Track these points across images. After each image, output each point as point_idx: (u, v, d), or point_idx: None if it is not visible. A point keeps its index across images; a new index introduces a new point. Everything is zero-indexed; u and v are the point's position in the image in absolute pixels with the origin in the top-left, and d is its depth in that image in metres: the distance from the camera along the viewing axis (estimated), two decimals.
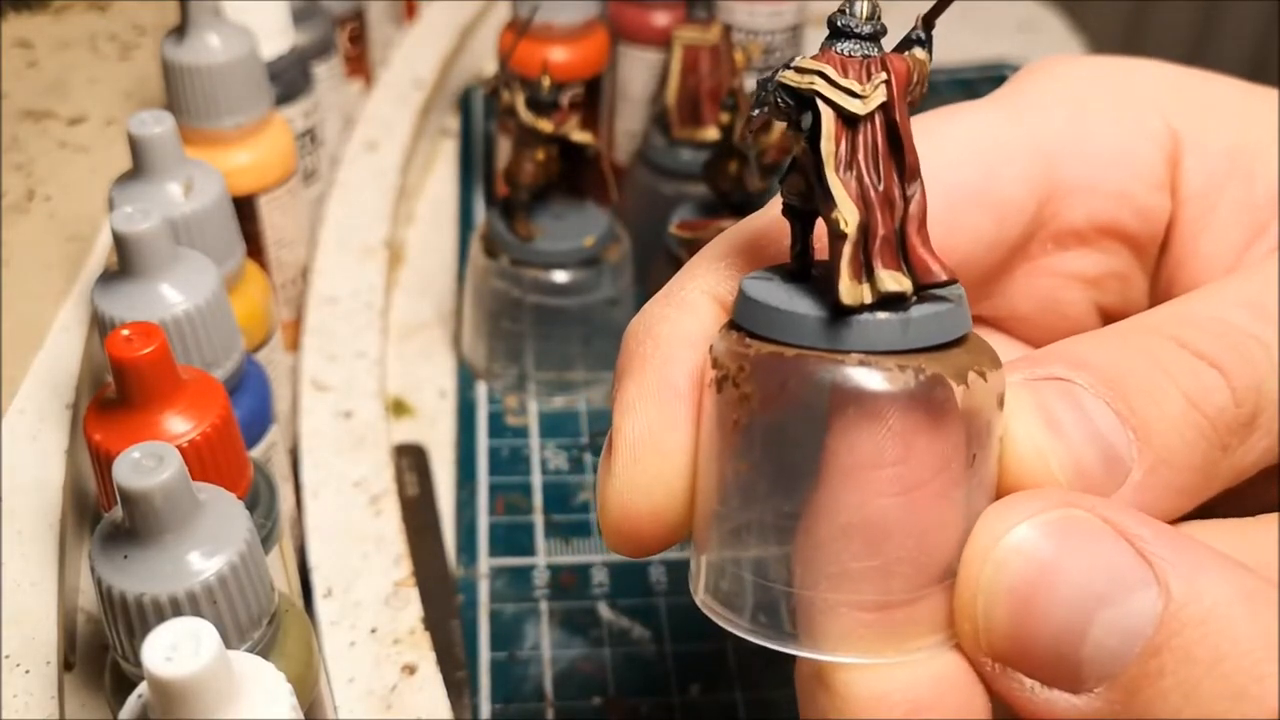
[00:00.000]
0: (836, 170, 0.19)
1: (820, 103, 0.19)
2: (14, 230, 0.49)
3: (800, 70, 0.20)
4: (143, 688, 0.22)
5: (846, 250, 0.19)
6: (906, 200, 0.20)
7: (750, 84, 0.54)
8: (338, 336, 0.49)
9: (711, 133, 0.53)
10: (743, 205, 0.49)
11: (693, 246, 0.45)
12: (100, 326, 0.33)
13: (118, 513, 0.25)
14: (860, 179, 0.19)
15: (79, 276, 0.47)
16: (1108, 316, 0.27)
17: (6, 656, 0.34)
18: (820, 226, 0.20)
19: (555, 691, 0.41)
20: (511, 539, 0.46)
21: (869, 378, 0.19)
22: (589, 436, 0.51)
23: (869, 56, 0.20)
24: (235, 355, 0.35)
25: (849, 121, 0.19)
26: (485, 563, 0.45)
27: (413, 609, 0.39)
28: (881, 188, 0.19)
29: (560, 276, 0.49)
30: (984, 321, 0.27)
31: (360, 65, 0.64)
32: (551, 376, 0.52)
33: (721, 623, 0.21)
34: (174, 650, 0.20)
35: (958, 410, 0.19)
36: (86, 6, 0.66)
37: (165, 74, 0.43)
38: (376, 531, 0.41)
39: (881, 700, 0.19)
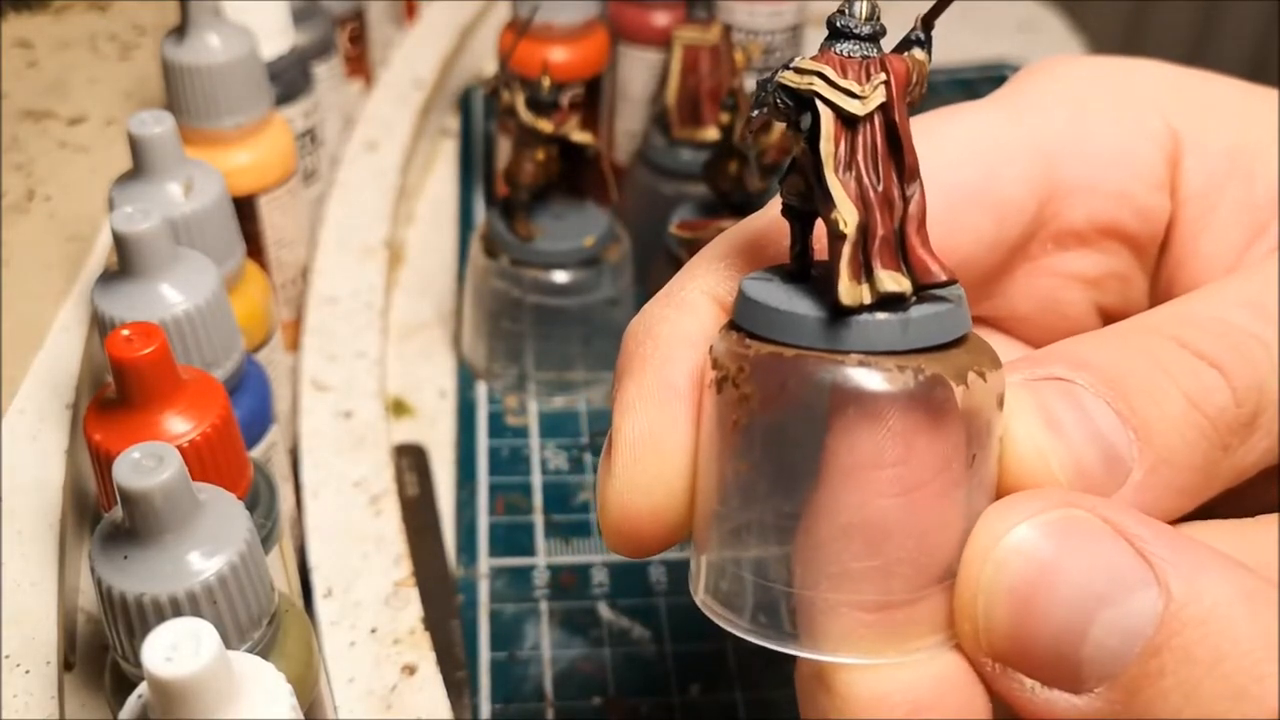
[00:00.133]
0: (836, 171, 0.19)
1: (819, 103, 0.19)
2: (14, 230, 0.49)
3: (799, 71, 0.20)
4: (143, 688, 0.22)
5: (846, 251, 0.19)
6: (906, 200, 0.20)
7: (750, 84, 0.54)
8: (338, 336, 0.49)
9: (711, 133, 0.53)
10: (743, 205, 0.49)
11: (693, 246, 0.45)
12: (100, 326, 0.33)
13: (118, 513, 0.25)
14: (859, 179, 0.19)
15: (79, 276, 0.47)
16: (1108, 317, 0.27)
17: (6, 656, 0.34)
18: (820, 227, 0.20)
19: (555, 691, 0.41)
20: (511, 539, 0.46)
21: (869, 378, 0.19)
22: (589, 436, 0.51)
23: (868, 57, 0.20)
24: (235, 355, 0.35)
25: (848, 122, 0.19)
26: (485, 563, 0.45)
27: (413, 609, 0.39)
28: (881, 188, 0.19)
29: (560, 276, 0.49)
30: (984, 321, 0.27)
31: (360, 65, 0.64)
32: (551, 376, 0.52)
33: (721, 623, 0.21)
34: (174, 650, 0.20)
35: (958, 410, 0.19)
36: (86, 6, 0.66)
37: (165, 74, 0.43)
38: (376, 531, 0.41)
39: (882, 700, 0.19)
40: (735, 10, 0.58)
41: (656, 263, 0.50)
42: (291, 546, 0.35)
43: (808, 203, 0.21)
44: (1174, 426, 0.20)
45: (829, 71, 0.19)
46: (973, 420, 0.19)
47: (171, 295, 0.33)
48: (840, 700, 0.20)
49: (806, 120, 0.20)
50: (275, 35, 0.50)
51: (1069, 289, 0.26)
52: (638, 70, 0.60)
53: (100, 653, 0.38)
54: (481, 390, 0.53)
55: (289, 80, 0.51)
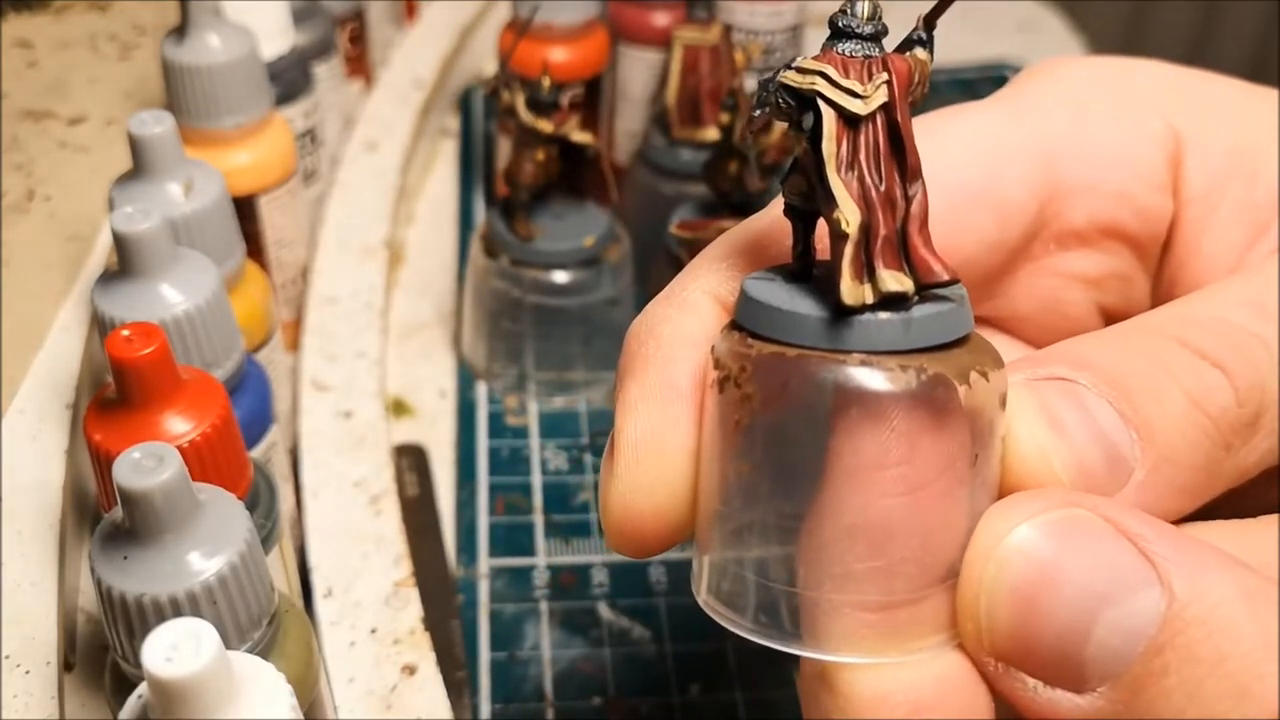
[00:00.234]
0: (838, 170, 0.19)
1: (821, 103, 0.19)
2: (14, 230, 0.49)
3: (802, 71, 0.20)
4: (143, 688, 0.22)
5: (848, 250, 0.19)
6: (908, 200, 0.20)
7: (750, 84, 0.54)
8: (338, 336, 0.49)
9: (711, 133, 0.53)
10: (743, 205, 0.49)
11: (693, 246, 0.45)
12: (100, 326, 0.33)
13: (118, 513, 0.25)
14: (862, 179, 0.19)
15: (79, 276, 0.46)
16: (1109, 317, 0.27)
17: (6, 656, 0.34)
18: (822, 227, 0.20)
19: (555, 691, 0.41)
20: (511, 539, 0.46)
21: (871, 378, 0.19)
22: (589, 436, 0.51)
23: (870, 57, 0.20)
24: (235, 355, 0.35)
25: (850, 122, 0.19)
26: (485, 563, 0.45)
27: (413, 609, 0.38)
28: (883, 188, 0.19)
29: (560, 276, 0.49)
30: (986, 322, 0.27)
31: (360, 65, 0.64)
32: (551, 376, 0.52)
33: (724, 623, 0.21)
34: (174, 650, 0.20)
35: (960, 410, 0.19)
36: (86, 6, 0.66)
37: (165, 74, 0.43)
38: (376, 531, 0.41)
39: (884, 700, 0.19)
40: (735, 10, 0.58)
41: (656, 263, 0.50)
42: (291, 546, 0.35)
43: (810, 202, 0.21)
44: (1176, 426, 0.20)
45: (831, 71, 0.19)
46: (975, 420, 0.19)
47: (171, 295, 0.33)
48: (843, 699, 0.20)
49: (809, 120, 0.20)
50: (275, 35, 0.50)
51: (1070, 289, 0.26)
52: (638, 70, 0.59)
53: (100, 653, 0.38)
54: (481, 390, 0.53)
55: (289, 80, 0.51)
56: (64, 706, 0.34)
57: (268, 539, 0.32)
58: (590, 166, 0.49)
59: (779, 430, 0.20)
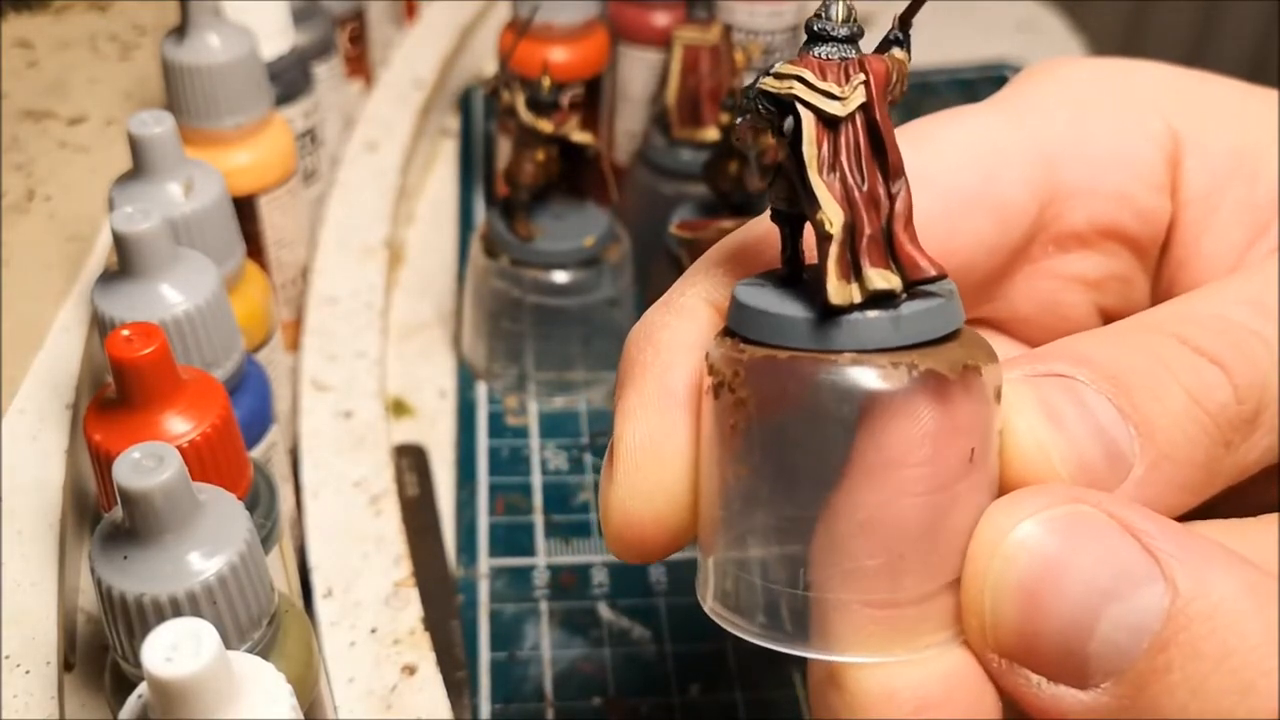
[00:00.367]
0: (819, 172, 0.19)
1: (800, 106, 0.19)
2: (14, 230, 0.49)
3: (779, 76, 0.20)
4: (143, 688, 0.22)
5: (833, 250, 0.19)
6: (892, 198, 0.20)
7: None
8: (338, 336, 0.49)
9: (711, 133, 0.53)
10: (743, 205, 0.49)
11: (693, 246, 0.45)
12: (100, 326, 0.33)
13: (118, 513, 0.25)
14: (844, 180, 0.20)
15: (79, 276, 0.46)
16: (1109, 318, 0.27)
17: (6, 656, 0.34)
18: (810, 230, 0.20)
19: (555, 691, 0.41)
20: (511, 539, 0.46)
21: (863, 376, 0.19)
22: (589, 436, 0.51)
23: (847, 59, 0.20)
24: (235, 355, 0.35)
25: (830, 124, 0.20)
26: (485, 563, 0.45)
27: (413, 609, 0.38)
28: (866, 187, 0.20)
29: (560, 276, 0.49)
30: (985, 323, 0.27)
31: (360, 65, 0.64)
32: (551, 376, 0.52)
33: (729, 627, 0.21)
34: (174, 650, 0.20)
35: (955, 404, 0.19)
36: (86, 6, 0.66)
37: (165, 74, 0.43)
38: (376, 531, 0.41)
39: (891, 698, 0.19)
40: (735, 10, 0.58)
41: (656, 263, 0.50)
42: (291, 546, 0.35)
43: (795, 206, 0.21)
44: (1175, 422, 0.20)
45: (808, 75, 0.20)
46: (971, 414, 0.19)
47: (171, 295, 0.33)
48: (850, 697, 0.20)
49: (789, 124, 0.20)
50: (275, 35, 0.50)
51: (1070, 291, 0.26)
52: (638, 70, 0.60)
53: (100, 653, 0.38)
54: (481, 390, 0.53)
55: (289, 80, 0.51)
56: (64, 706, 0.34)
57: (268, 539, 0.32)
58: (590, 166, 0.49)
59: (774, 433, 0.20)
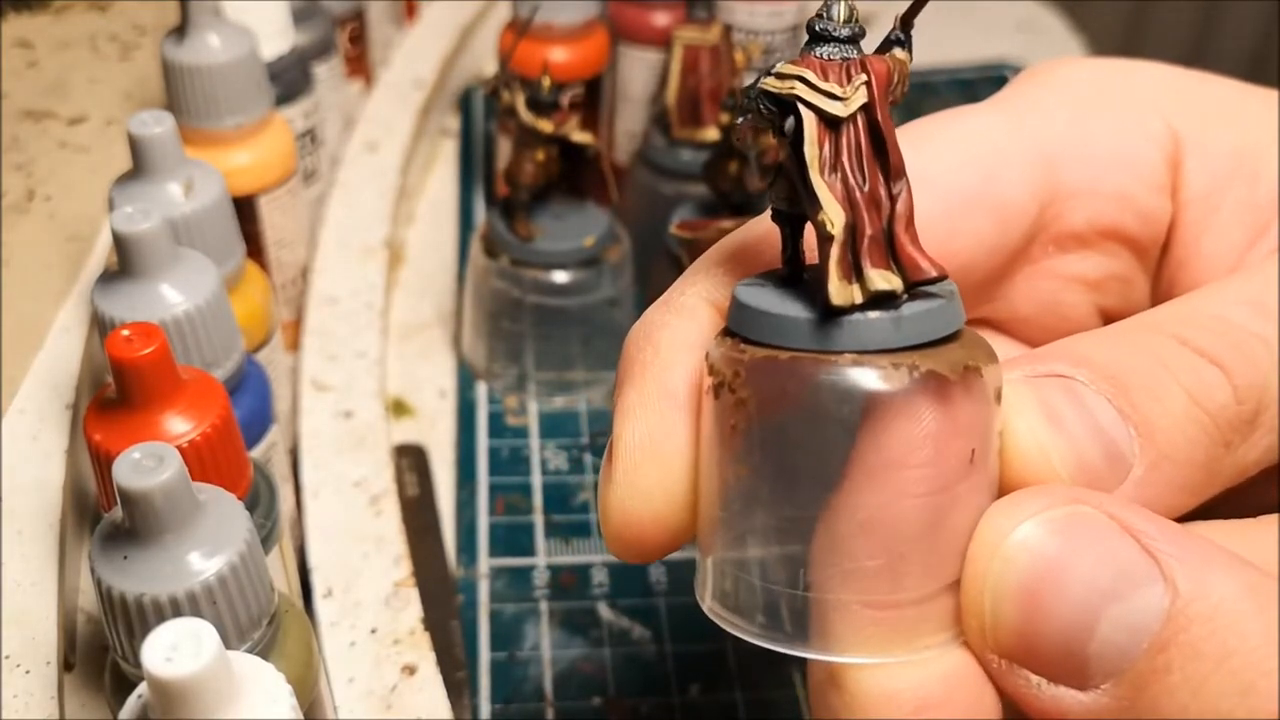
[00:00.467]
0: (821, 173, 0.19)
1: (801, 107, 0.19)
2: (14, 230, 0.49)
3: (781, 76, 0.20)
4: (143, 688, 0.22)
5: (834, 251, 0.19)
6: (893, 199, 0.20)
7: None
8: (338, 336, 0.49)
9: (711, 133, 0.53)
10: (743, 205, 0.48)
11: (693, 246, 0.45)
12: (100, 326, 0.33)
13: (118, 513, 0.25)
14: (845, 180, 0.20)
15: (79, 276, 0.46)
16: (1109, 319, 0.27)
17: (6, 656, 0.34)
18: (810, 230, 0.20)
19: (555, 692, 0.41)
20: (511, 539, 0.46)
21: (863, 377, 0.19)
22: (589, 436, 0.51)
23: (848, 59, 0.20)
24: (235, 355, 0.35)
25: (831, 124, 0.20)
26: (485, 563, 0.45)
27: (413, 609, 0.38)
28: (867, 188, 0.20)
29: (560, 276, 0.49)
30: (986, 324, 0.27)
31: (360, 65, 0.64)
32: (551, 376, 0.52)
33: (729, 628, 0.21)
34: (174, 650, 0.20)
35: (956, 405, 0.19)
36: (86, 6, 0.66)
37: (165, 74, 0.43)
38: (376, 531, 0.41)
39: (892, 699, 0.19)
40: (735, 10, 0.58)
41: (656, 263, 0.50)
42: (291, 546, 0.35)
43: (796, 206, 0.21)
44: (1175, 423, 0.20)
45: (810, 75, 0.20)
46: (971, 415, 0.19)
47: (171, 295, 0.33)
48: (850, 697, 0.20)
49: (790, 124, 0.20)
50: (275, 35, 0.50)
51: (1070, 291, 0.26)
52: (638, 70, 0.59)
53: (100, 653, 0.38)
54: (481, 390, 0.53)
55: (289, 80, 0.51)
56: (64, 706, 0.34)
57: (268, 539, 0.32)
58: (590, 166, 0.49)
59: (775, 433, 0.20)
